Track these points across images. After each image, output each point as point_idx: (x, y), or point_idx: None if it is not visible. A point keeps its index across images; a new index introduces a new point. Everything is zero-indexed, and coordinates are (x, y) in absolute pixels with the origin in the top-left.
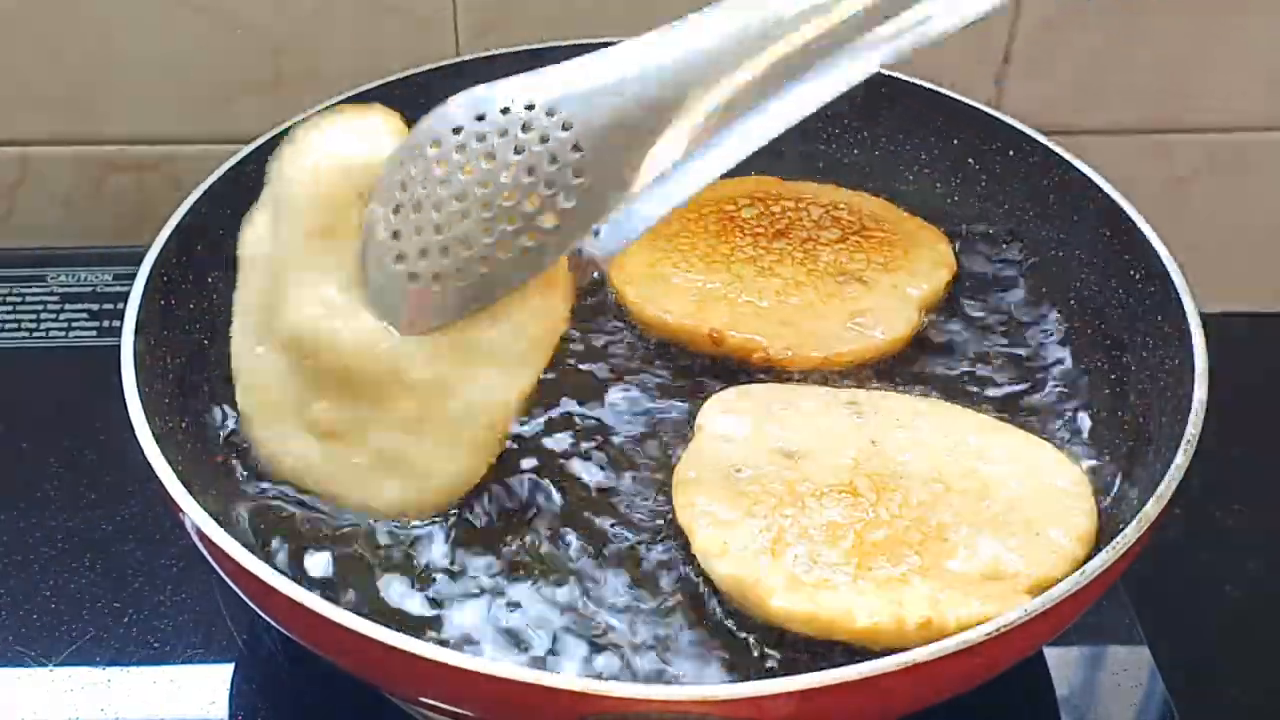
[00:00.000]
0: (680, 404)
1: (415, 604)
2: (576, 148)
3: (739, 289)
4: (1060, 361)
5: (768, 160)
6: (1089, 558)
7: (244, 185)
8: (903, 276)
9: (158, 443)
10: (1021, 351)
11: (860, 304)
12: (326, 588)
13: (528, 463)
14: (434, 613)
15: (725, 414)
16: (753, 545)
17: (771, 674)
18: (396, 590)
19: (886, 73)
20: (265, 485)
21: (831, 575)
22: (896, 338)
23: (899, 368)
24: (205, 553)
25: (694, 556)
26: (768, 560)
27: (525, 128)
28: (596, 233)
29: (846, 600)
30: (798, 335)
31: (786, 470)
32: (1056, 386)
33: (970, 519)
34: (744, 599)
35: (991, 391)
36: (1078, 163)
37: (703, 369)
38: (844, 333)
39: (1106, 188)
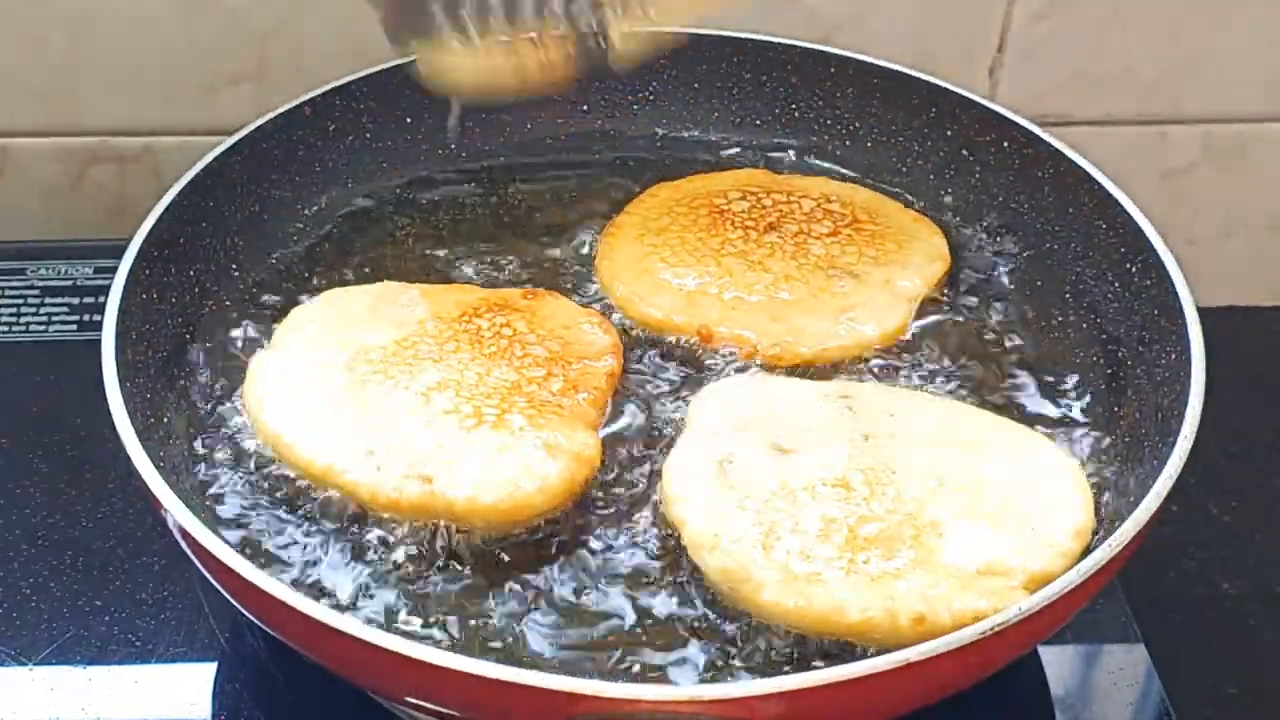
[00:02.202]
0: (670, 398)
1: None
2: None
3: (729, 284)
4: (1055, 355)
5: (759, 153)
6: (1085, 553)
7: (227, 177)
8: (895, 270)
9: (139, 438)
10: (1016, 346)
11: (852, 299)
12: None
13: None
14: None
15: (715, 407)
16: (744, 539)
17: (763, 672)
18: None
19: (879, 63)
20: (247, 480)
21: (824, 570)
22: (888, 332)
23: (892, 362)
24: (187, 550)
25: (684, 549)
26: (759, 554)
27: None
28: None
29: (839, 595)
30: (788, 331)
31: (778, 464)
32: (1051, 381)
33: (965, 514)
34: (735, 593)
35: (986, 386)
36: (1073, 154)
37: (693, 363)
38: (835, 328)
39: (1102, 180)
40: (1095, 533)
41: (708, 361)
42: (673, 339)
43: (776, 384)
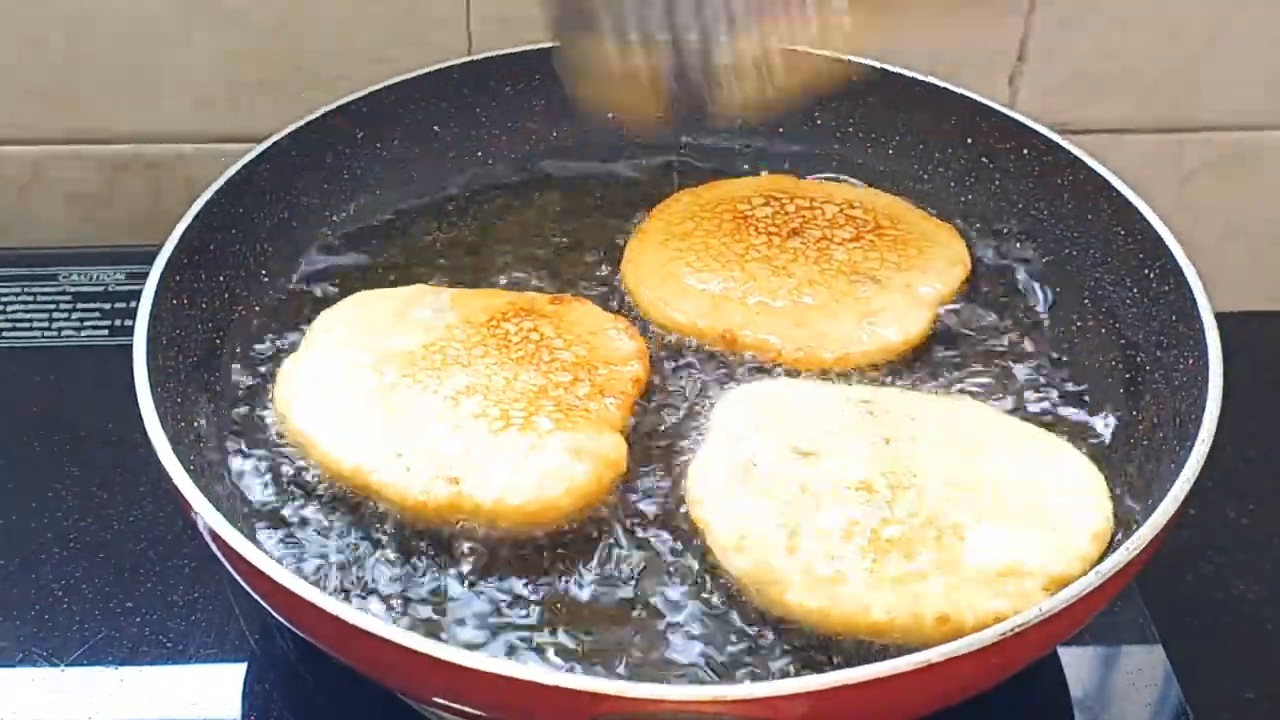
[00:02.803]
0: (695, 402)
1: (421, 600)
2: None
3: (753, 289)
4: (1074, 360)
5: (782, 160)
6: (1103, 556)
7: (256, 184)
8: (916, 275)
9: (170, 442)
10: (1035, 350)
11: (874, 304)
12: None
13: None
14: (436, 616)
15: (739, 411)
16: (769, 541)
17: (786, 672)
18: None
19: (899, 71)
20: (277, 483)
21: (848, 571)
22: (910, 337)
23: (914, 366)
24: (218, 552)
25: (705, 551)
26: (784, 556)
27: None
28: None
29: (863, 596)
30: (811, 335)
31: (801, 467)
32: (1071, 385)
33: (986, 516)
34: (760, 594)
35: (1005, 390)
36: (1091, 161)
37: (716, 367)
38: (857, 333)
39: (1120, 186)
40: (1113, 536)
41: (732, 365)
42: (697, 343)
43: (798, 387)
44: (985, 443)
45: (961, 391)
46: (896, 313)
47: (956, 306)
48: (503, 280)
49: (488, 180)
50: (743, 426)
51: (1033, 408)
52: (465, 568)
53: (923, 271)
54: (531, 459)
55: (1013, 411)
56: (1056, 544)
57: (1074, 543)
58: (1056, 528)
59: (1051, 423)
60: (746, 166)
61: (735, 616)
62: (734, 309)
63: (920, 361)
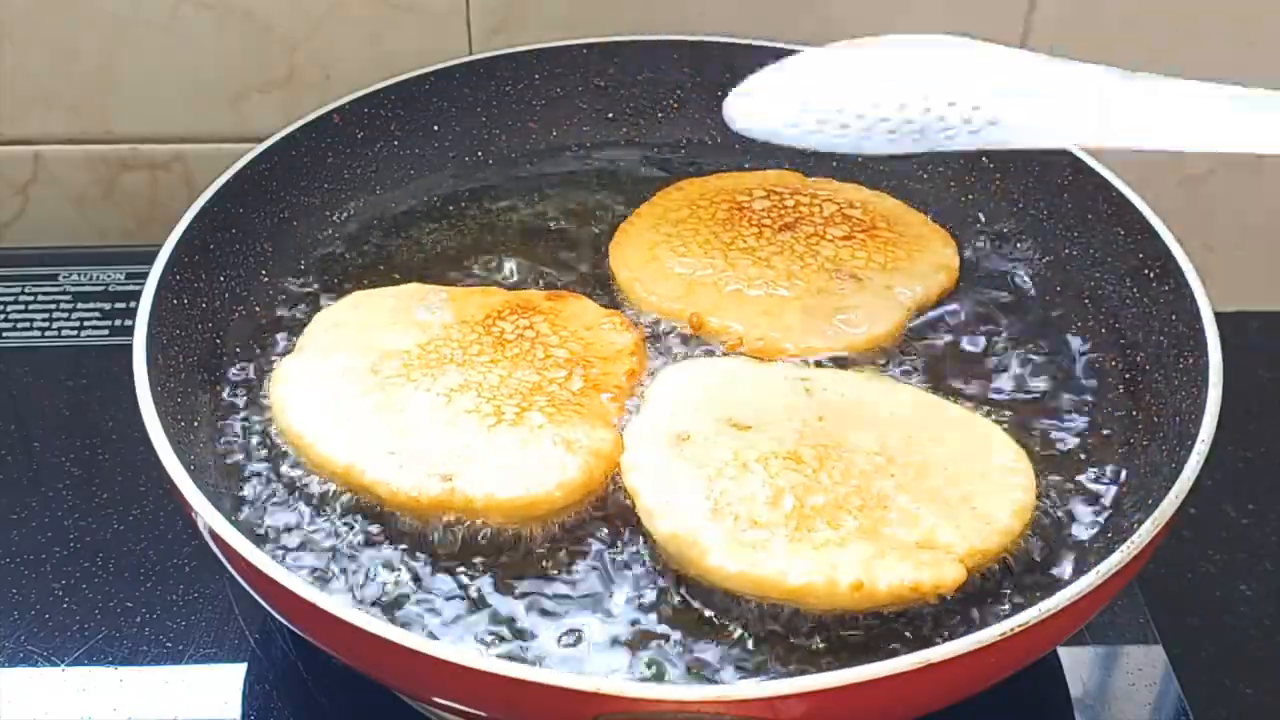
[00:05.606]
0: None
1: (417, 597)
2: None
3: (731, 277)
4: (1073, 360)
5: (783, 159)
6: (1023, 532)
7: (256, 184)
8: (898, 277)
9: (170, 442)
10: (1034, 350)
11: (848, 301)
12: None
13: None
14: (433, 614)
15: (678, 383)
16: (694, 506)
17: (783, 668)
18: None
19: None
20: (276, 484)
21: (769, 536)
22: (876, 336)
23: (898, 361)
24: (217, 552)
25: (635, 517)
26: (708, 521)
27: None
28: None
29: (781, 561)
30: (775, 326)
31: (733, 439)
32: (1069, 385)
33: (910, 490)
34: (682, 557)
35: (1001, 389)
36: (1091, 161)
37: (686, 352)
38: (823, 327)
39: (1120, 186)
40: (1035, 510)
41: (699, 349)
42: (668, 324)
43: (739, 364)
44: (917, 421)
45: (949, 391)
46: (869, 311)
47: (953, 306)
48: (501, 280)
49: (488, 180)
50: (680, 398)
51: (1031, 406)
52: (459, 564)
53: (906, 274)
54: (523, 453)
55: (1011, 411)
56: (976, 519)
57: (994, 518)
58: (978, 504)
59: (1048, 422)
60: (750, 166)
61: (731, 613)
62: (708, 294)
63: (897, 361)
